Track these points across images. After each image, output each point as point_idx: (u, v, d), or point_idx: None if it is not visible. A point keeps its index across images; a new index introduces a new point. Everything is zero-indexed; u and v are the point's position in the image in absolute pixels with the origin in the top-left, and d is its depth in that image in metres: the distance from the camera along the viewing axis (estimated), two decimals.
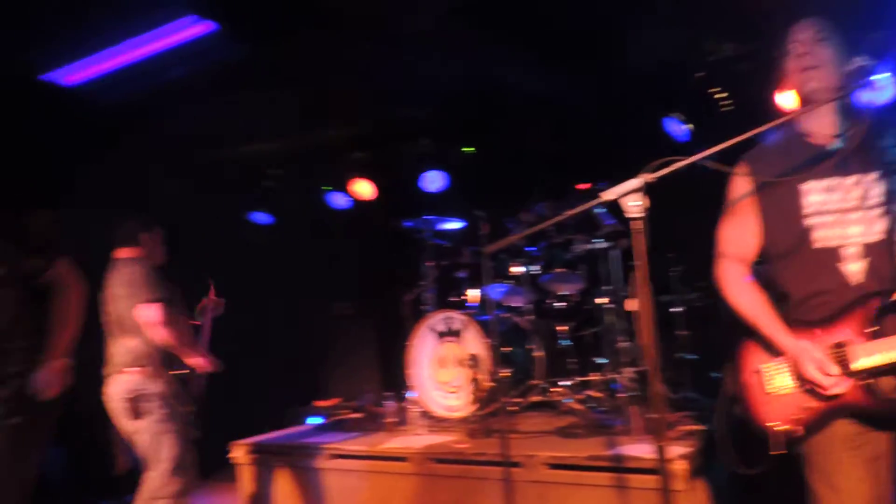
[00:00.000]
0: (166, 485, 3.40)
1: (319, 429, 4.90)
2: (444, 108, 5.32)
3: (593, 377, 4.55)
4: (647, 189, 1.82)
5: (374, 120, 5.70)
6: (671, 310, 4.72)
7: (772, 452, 1.99)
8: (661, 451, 1.81)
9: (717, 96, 4.45)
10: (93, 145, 5.12)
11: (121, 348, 3.41)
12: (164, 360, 3.47)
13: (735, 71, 4.33)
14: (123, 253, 3.60)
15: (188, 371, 3.55)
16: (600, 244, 4.55)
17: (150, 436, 3.38)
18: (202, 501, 5.23)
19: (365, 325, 6.66)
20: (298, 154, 6.29)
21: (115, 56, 4.11)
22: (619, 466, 3.10)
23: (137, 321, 3.35)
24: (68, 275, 2.53)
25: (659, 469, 1.86)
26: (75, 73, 4.27)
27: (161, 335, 3.35)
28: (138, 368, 3.38)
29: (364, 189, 6.31)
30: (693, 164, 1.84)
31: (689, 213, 3.49)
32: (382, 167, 6.29)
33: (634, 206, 1.81)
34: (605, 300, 4.63)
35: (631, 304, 4.33)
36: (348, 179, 6.31)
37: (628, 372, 4.30)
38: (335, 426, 4.87)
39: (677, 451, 3.01)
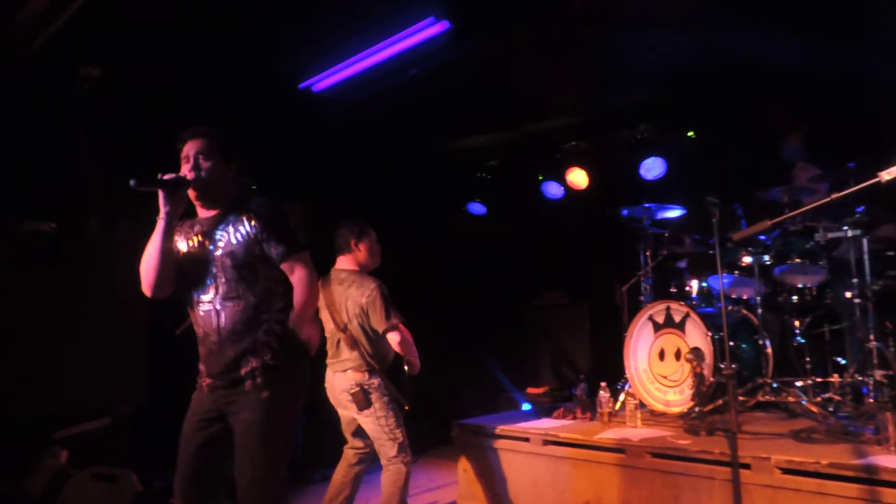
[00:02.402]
0: (395, 459, 3.71)
1: (532, 414, 4.96)
2: (666, 92, 5.11)
3: (834, 379, 4.13)
4: None
5: (592, 108, 5.63)
6: None
7: None
8: None
9: None
10: (327, 145, 5.64)
11: (349, 351, 3.74)
12: (384, 360, 3.79)
13: None
14: (343, 262, 3.91)
15: (405, 365, 3.82)
16: (849, 232, 4.06)
17: (374, 420, 3.71)
18: (425, 474, 5.55)
19: (578, 315, 6.61)
20: (514, 145, 6.39)
21: (359, 62, 4.48)
22: (872, 478, 2.78)
23: (379, 335, 3.73)
24: (307, 268, 2.68)
25: None
26: (323, 81, 4.73)
27: (403, 349, 3.75)
28: (363, 369, 3.72)
29: (579, 178, 6.26)
30: None
31: None
32: (599, 155, 6.19)
33: None
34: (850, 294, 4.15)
35: None
36: (563, 169, 6.29)
37: (878, 375, 3.83)
38: (548, 413, 4.90)
39: None
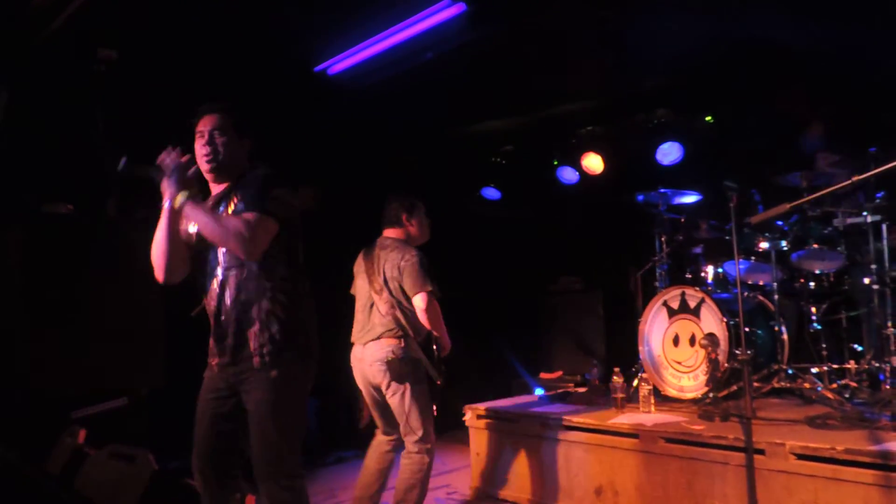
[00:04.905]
0: (420, 445, 3.63)
1: (546, 399, 4.97)
2: (683, 76, 5.05)
3: (850, 365, 4.11)
4: None
5: (609, 92, 5.59)
6: None
7: None
8: None
9: None
10: (342, 129, 5.63)
11: (384, 318, 3.67)
12: (418, 332, 3.70)
13: None
14: (391, 233, 3.87)
15: (434, 344, 3.73)
16: (868, 218, 4.02)
17: (402, 398, 3.60)
18: (439, 458, 5.56)
19: (593, 300, 6.59)
20: (529, 129, 6.36)
21: (375, 44, 4.47)
22: (887, 464, 2.77)
23: (412, 303, 3.66)
24: (252, 222, 2.54)
25: None
26: (339, 63, 4.71)
27: (430, 319, 3.64)
28: (399, 335, 3.64)
29: (594, 163, 6.22)
30: None
31: None
32: (614, 140, 6.15)
33: None
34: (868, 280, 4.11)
35: None
36: (579, 153, 6.26)
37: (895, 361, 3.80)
38: (561, 398, 4.91)
39: None
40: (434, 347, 3.70)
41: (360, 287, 3.84)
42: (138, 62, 4.36)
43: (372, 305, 3.73)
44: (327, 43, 4.51)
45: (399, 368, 3.57)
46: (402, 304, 3.68)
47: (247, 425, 2.58)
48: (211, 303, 2.65)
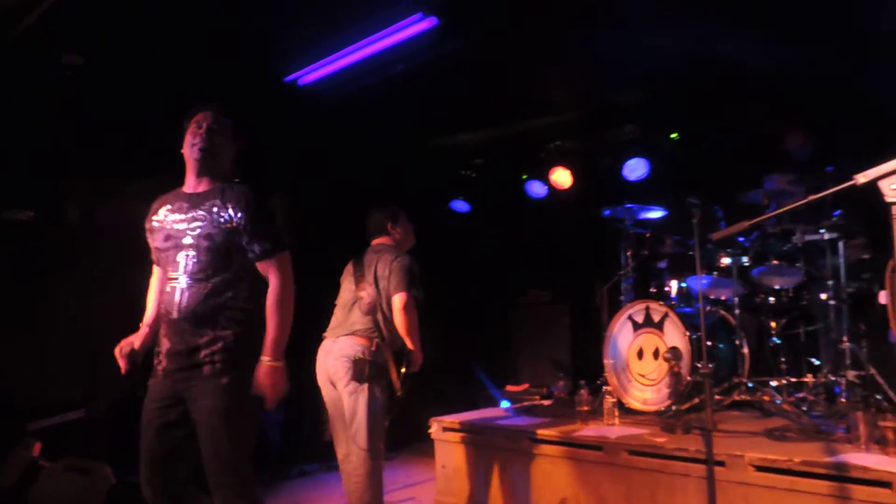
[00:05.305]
0: (366, 453, 3.50)
1: (512, 412, 4.98)
2: (652, 93, 5.15)
3: (808, 379, 4.20)
4: None
5: (577, 107, 5.66)
6: None
7: None
8: None
9: None
10: (311, 139, 5.62)
11: (364, 317, 3.62)
12: (393, 340, 3.65)
13: None
14: (380, 241, 3.89)
15: (404, 367, 3.66)
16: (825, 235, 4.13)
17: (357, 398, 3.50)
18: (403, 471, 5.55)
19: (559, 313, 6.64)
20: (499, 143, 6.41)
21: (346, 56, 4.48)
22: (842, 475, 2.83)
23: (392, 303, 3.62)
24: (284, 271, 2.63)
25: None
26: (310, 74, 4.72)
27: (404, 322, 3.59)
28: (373, 336, 3.58)
29: (562, 177, 6.29)
30: None
31: None
32: (582, 155, 6.23)
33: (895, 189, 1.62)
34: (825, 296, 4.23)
35: (882, 297, 3.88)
36: (547, 168, 6.32)
37: (851, 375, 3.90)
38: (527, 411, 4.93)
39: None
40: (403, 369, 3.63)
41: (345, 288, 3.81)
42: (106, 70, 4.31)
43: (354, 303, 3.69)
44: (298, 53, 4.51)
45: (363, 369, 3.50)
46: (384, 308, 3.65)
47: (194, 433, 2.52)
48: (164, 305, 2.61)
